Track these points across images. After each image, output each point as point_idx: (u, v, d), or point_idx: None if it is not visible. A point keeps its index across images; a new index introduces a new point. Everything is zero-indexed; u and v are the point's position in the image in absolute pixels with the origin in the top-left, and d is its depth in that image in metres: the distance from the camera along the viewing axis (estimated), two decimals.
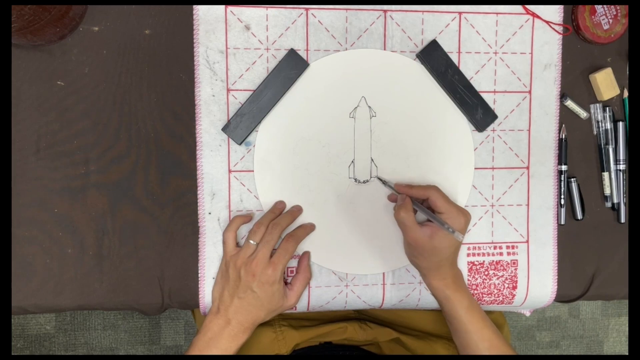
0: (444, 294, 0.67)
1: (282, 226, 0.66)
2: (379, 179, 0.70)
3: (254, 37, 0.67)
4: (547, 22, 0.71)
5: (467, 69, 0.70)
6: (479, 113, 0.70)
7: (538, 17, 0.71)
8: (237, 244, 0.67)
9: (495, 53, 0.71)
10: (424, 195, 0.65)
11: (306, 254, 0.69)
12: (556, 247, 0.74)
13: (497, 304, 0.75)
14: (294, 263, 0.70)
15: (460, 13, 0.69)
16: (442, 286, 0.66)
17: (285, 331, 0.80)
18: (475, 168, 0.72)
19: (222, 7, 0.66)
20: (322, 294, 0.71)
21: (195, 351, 0.64)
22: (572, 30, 0.72)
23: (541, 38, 0.71)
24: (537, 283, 0.74)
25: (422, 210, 0.65)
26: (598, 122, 0.74)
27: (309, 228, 0.69)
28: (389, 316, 0.85)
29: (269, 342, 0.79)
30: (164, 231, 0.68)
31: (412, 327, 0.84)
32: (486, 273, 0.73)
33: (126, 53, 0.65)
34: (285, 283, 0.68)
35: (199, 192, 0.67)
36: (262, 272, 0.63)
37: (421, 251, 0.64)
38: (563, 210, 0.74)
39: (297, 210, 0.68)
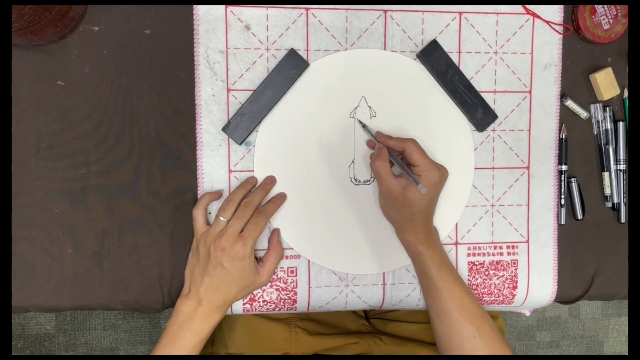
0: (416, 249, 0.66)
1: (254, 204, 0.65)
2: (359, 121, 0.69)
3: (254, 37, 0.67)
4: (547, 22, 0.71)
5: (467, 69, 0.70)
6: (479, 113, 0.70)
7: (538, 17, 0.71)
8: (208, 223, 0.66)
9: (496, 53, 0.71)
10: (401, 147, 0.64)
11: (276, 231, 0.69)
12: (556, 247, 0.74)
13: (498, 304, 0.75)
14: (291, 256, 0.70)
15: (460, 13, 0.69)
16: (415, 241, 0.66)
17: (300, 335, 0.80)
18: (476, 168, 0.72)
19: (222, 7, 0.66)
20: (322, 294, 0.71)
21: (168, 336, 0.63)
22: (572, 30, 0.72)
23: (541, 38, 0.71)
24: (537, 283, 0.74)
25: (396, 161, 0.65)
26: (598, 122, 0.74)
27: (279, 201, 0.67)
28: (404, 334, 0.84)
29: (281, 339, 0.79)
30: (164, 231, 0.68)
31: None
32: (486, 273, 0.73)
33: (126, 53, 0.65)
34: (258, 261, 0.67)
35: (199, 191, 0.67)
36: (232, 246, 0.62)
37: (394, 202, 0.64)
38: (563, 210, 0.74)
39: (269, 183, 0.67)
